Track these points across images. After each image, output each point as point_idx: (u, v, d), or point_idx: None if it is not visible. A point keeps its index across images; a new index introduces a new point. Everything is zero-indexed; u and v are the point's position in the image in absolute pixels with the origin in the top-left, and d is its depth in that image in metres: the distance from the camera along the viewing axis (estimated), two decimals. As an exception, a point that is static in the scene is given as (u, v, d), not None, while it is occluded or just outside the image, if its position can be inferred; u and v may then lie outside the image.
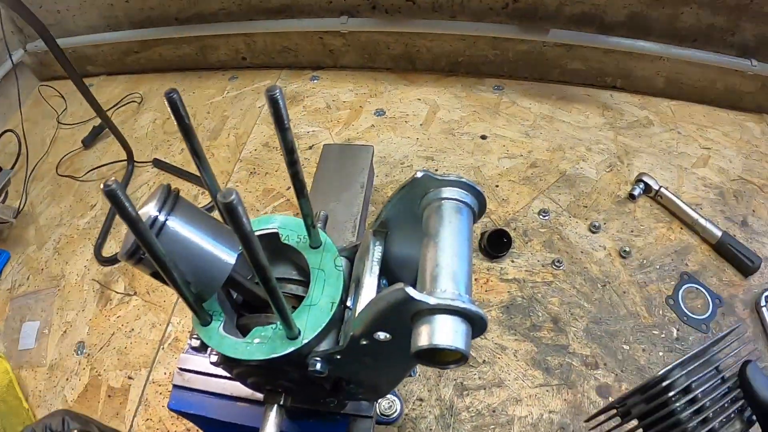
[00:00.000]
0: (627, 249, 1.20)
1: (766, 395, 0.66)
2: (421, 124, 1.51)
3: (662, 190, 1.28)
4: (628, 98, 1.56)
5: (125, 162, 1.55)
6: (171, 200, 0.47)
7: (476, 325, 0.43)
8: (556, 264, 1.19)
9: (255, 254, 0.40)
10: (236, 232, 0.38)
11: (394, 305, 0.42)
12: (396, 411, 1.02)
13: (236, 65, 1.86)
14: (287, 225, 0.60)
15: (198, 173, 0.52)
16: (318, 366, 0.52)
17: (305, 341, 0.51)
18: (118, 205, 0.35)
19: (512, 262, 1.21)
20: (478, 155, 1.41)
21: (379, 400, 1.02)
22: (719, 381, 0.71)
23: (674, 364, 0.68)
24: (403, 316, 0.42)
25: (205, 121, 1.64)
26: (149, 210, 0.45)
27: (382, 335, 0.46)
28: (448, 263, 0.45)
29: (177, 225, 0.46)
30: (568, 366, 1.06)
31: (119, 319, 1.22)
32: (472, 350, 1.08)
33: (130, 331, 1.20)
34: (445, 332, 0.40)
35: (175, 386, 0.79)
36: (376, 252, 0.54)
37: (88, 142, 1.64)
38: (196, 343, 0.56)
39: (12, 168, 1.57)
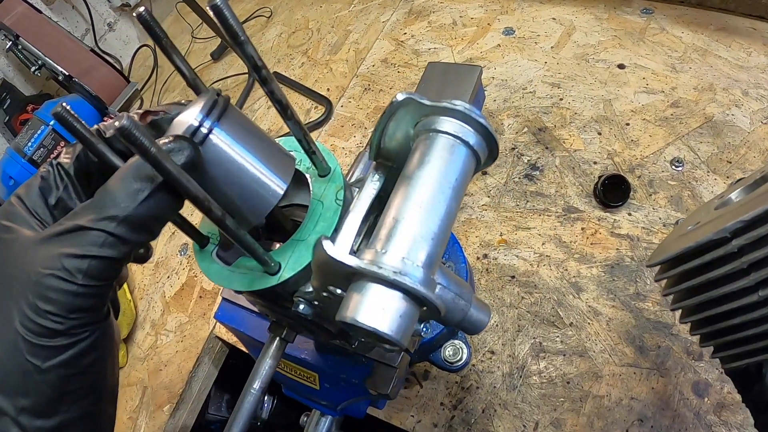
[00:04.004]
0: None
1: None
2: (552, 47, 1.32)
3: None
4: (804, 39, 1.20)
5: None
6: (219, 108, 0.38)
7: (428, 307, 0.34)
8: (682, 224, 0.99)
9: (184, 187, 0.34)
10: (144, 159, 0.32)
11: (322, 262, 0.34)
12: (462, 359, 0.94)
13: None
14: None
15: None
16: (301, 307, 0.47)
17: (282, 279, 0.45)
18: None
19: (629, 215, 1.03)
20: (611, 86, 1.20)
21: (445, 346, 0.96)
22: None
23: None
24: (342, 274, 0.35)
25: (328, 35, 1.60)
26: (189, 118, 0.37)
27: (338, 291, 0.39)
28: (414, 217, 0.35)
29: (222, 140, 0.38)
30: (666, 350, 0.89)
31: (221, 228, 1.28)
32: (559, 309, 0.96)
33: (228, 240, 1.25)
34: (372, 308, 0.32)
35: (224, 299, 0.80)
36: (370, 188, 0.45)
37: (216, 55, 1.70)
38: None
39: (147, 81, 1.73)
